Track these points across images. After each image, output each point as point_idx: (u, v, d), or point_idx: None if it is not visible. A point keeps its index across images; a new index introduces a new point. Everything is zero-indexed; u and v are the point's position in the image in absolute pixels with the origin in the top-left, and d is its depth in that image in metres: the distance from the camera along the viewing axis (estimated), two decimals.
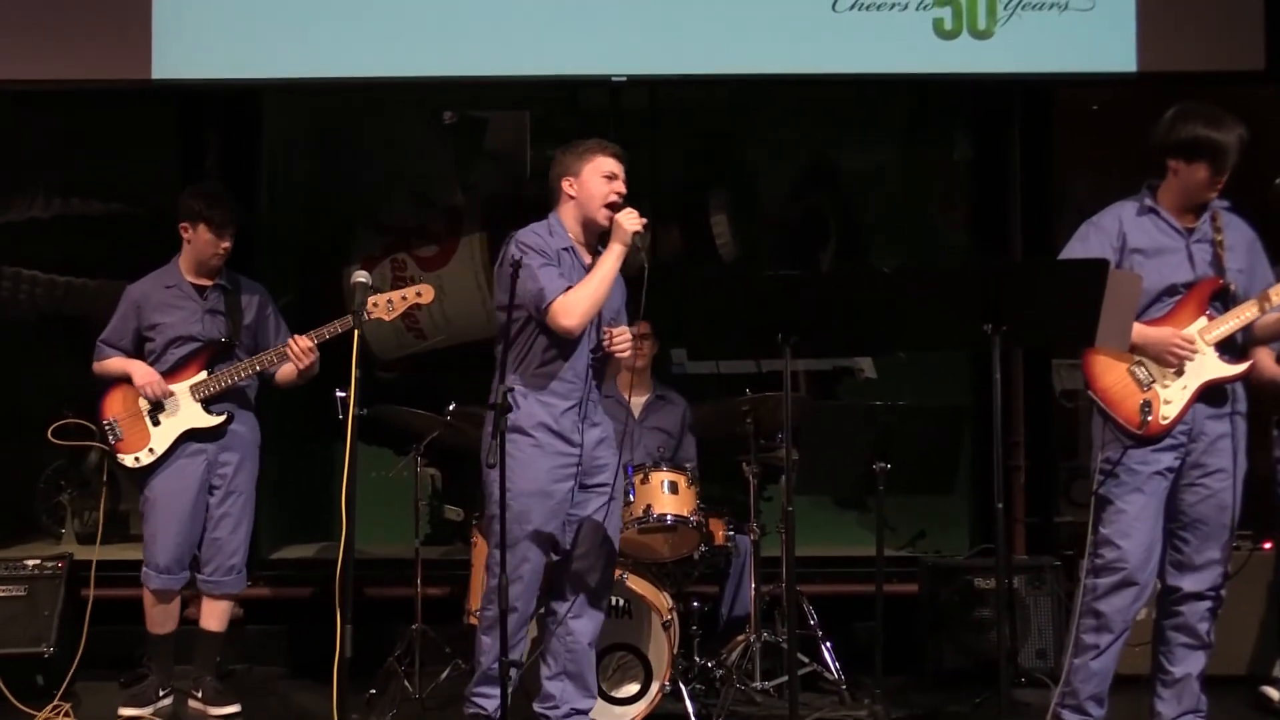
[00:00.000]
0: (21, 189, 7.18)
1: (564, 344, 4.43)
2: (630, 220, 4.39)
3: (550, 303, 4.35)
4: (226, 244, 5.23)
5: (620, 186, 4.50)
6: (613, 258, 4.41)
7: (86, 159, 7.19)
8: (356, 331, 4.22)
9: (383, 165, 7.54)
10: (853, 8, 5.84)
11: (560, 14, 5.91)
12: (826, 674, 5.40)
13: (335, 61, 5.93)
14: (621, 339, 4.49)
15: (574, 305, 4.35)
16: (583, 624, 4.55)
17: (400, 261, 7.21)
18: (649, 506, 5.09)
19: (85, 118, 6.90)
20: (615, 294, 4.56)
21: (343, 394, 4.42)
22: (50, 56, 5.88)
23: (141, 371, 5.15)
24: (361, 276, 4.41)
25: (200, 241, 5.21)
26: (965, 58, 5.86)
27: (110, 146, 7.05)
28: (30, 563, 5.67)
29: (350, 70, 5.94)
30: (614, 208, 4.46)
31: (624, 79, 5.96)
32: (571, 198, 4.54)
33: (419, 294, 4.97)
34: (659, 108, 6.99)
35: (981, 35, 5.84)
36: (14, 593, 5.58)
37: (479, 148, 7.48)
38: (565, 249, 4.50)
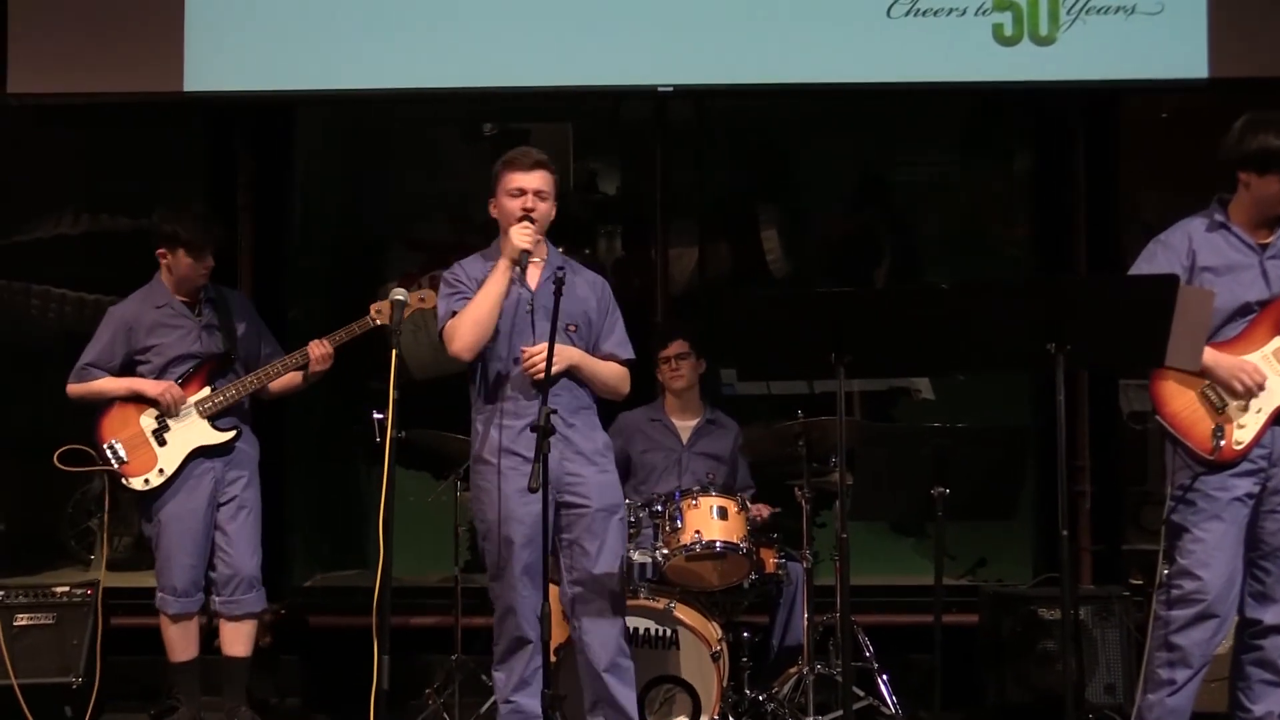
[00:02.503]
0: (51, 206, 7.28)
1: (496, 365, 4.51)
2: (518, 235, 4.42)
3: (441, 329, 4.52)
4: (209, 264, 5.29)
5: (528, 201, 4.50)
6: (498, 273, 4.45)
7: (116, 176, 7.28)
8: (395, 352, 4.25)
9: (419, 181, 7.59)
10: (908, 14, 5.84)
11: (604, 22, 5.93)
12: (883, 708, 5.38)
13: (371, 73, 5.98)
14: (527, 360, 4.46)
15: (454, 330, 4.47)
16: (596, 650, 4.52)
17: (438, 279, 7.24)
18: (698, 533, 5.09)
19: (115, 135, 7.00)
20: (574, 300, 4.54)
21: (380, 416, 4.46)
22: (81, 69, 5.96)
23: (152, 383, 5.21)
24: (399, 294, 4.47)
25: (181, 266, 5.25)
26: (1026, 65, 5.84)
27: (140, 164, 7.13)
28: (59, 590, 5.71)
29: (386, 81, 5.99)
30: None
31: (670, 89, 5.98)
32: (495, 219, 4.62)
33: (422, 299, 5.10)
34: (706, 119, 7.01)
35: (1043, 41, 5.82)
36: (42, 621, 5.61)
37: None
38: None
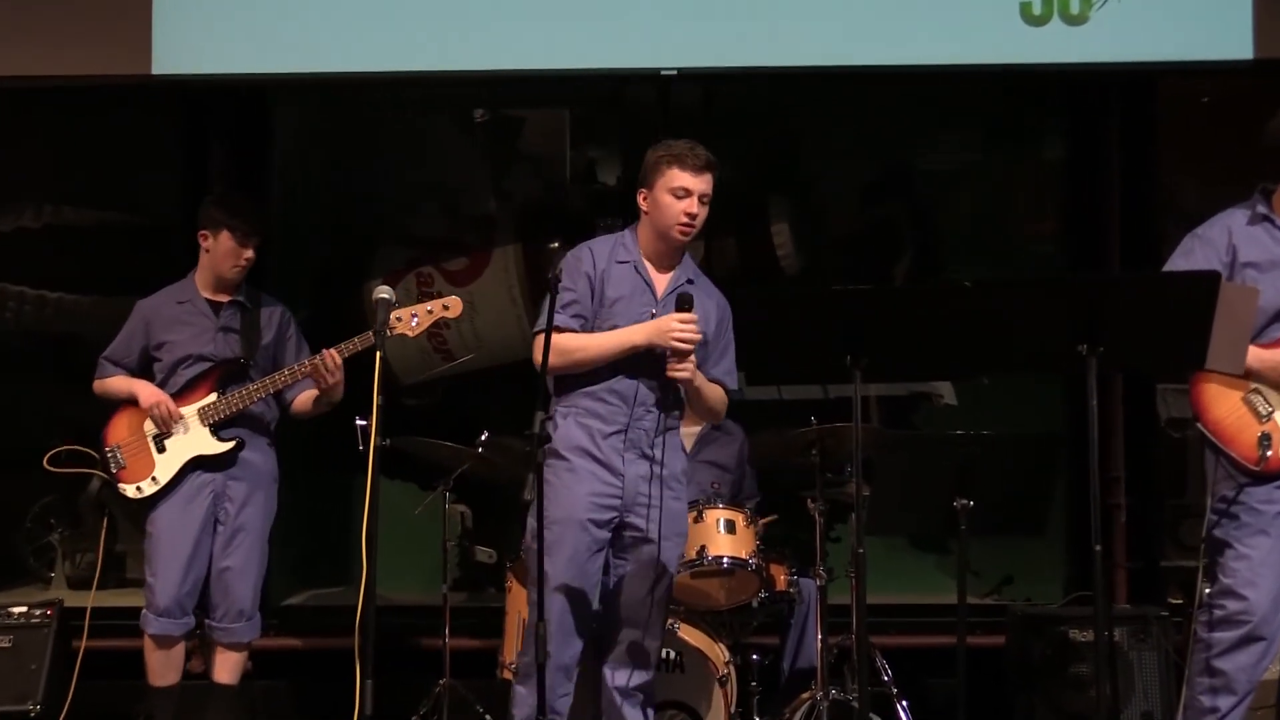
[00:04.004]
0: (10, 198, 7.26)
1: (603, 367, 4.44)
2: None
3: (535, 332, 4.44)
4: (249, 255, 5.30)
5: (691, 206, 4.43)
6: (628, 338, 4.38)
7: (80, 168, 7.27)
8: (380, 354, 4.23)
9: (407, 171, 7.58)
10: None
11: (604, 0, 5.92)
12: None
13: (354, 55, 5.95)
14: (680, 366, 4.36)
15: (553, 349, 4.30)
16: (618, 675, 4.51)
17: (426, 276, 7.24)
18: (703, 548, 5.08)
19: (81, 122, 6.98)
20: (711, 314, 4.51)
21: (364, 423, 4.44)
22: (43, 52, 5.93)
23: (148, 392, 5.21)
24: (384, 292, 4.45)
25: (220, 251, 5.26)
26: (1057, 46, 5.81)
27: (107, 153, 7.12)
28: (16, 610, 5.71)
29: (371, 64, 5.96)
30: (684, 232, 4.44)
31: (674, 73, 5.95)
32: (645, 212, 4.55)
33: (445, 306, 5.00)
34: (713, 105, 6.99)
35: (1075, 20, 5.80)
36: None
37: (513, 150, 7.51)
38: (624, 263, 4.51)
